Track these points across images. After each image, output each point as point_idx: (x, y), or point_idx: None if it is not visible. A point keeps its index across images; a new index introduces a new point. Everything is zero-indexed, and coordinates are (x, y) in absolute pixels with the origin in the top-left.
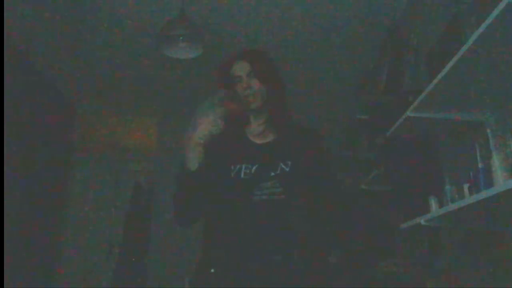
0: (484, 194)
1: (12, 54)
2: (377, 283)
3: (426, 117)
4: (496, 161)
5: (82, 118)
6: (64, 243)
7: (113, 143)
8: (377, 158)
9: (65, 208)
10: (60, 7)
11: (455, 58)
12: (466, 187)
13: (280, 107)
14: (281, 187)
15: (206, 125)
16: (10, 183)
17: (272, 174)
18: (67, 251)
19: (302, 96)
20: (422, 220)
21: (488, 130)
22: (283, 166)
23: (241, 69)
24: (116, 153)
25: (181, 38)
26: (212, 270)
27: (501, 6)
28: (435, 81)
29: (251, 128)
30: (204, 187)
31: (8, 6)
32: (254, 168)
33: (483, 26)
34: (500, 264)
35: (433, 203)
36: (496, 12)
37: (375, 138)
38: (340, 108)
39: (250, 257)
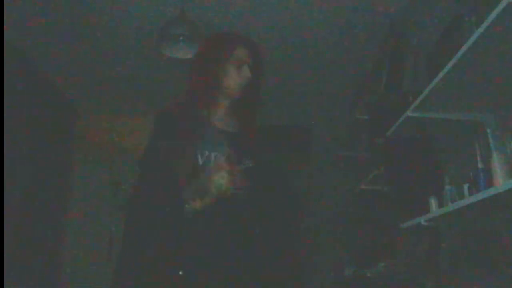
0: (484, 194)
1: (12, 54)
2: (378, 283)
3: (426, 117)
4: (496, 161)
5: (82, 118)
6: (64, 243)
7: (113, 143)
8: (377, 158)
9: (65, 208)
10: (60, 7)
11: (455, 58)
12: (466, 187)
13: (258, 102)
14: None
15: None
16: (10, 183)
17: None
18: (67, 251)
19: (302, 96)
20: (422, 220)
21: (488, 130)
22: (247, 161)
23: (246, 56)
24: (116, 153)
25: (181, 38)
26: (181, 273)
27: (501, 6)
28: (435, 81)
29: (218, 115)
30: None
31: (8, 6)
32: (223, 158)
33: (483, 26)
34: (500, 264)
35: (433, 203)
36: (496, 12)
37: (375, 138)
38: (340, 108)
39: (221, 257)
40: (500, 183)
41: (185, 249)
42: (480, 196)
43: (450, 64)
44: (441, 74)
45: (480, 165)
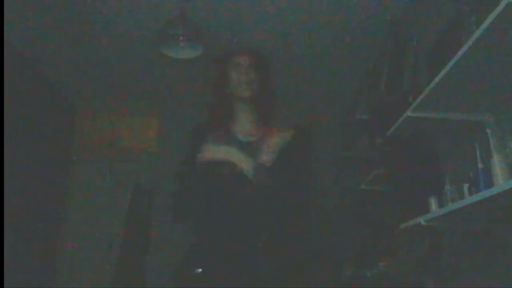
0: (484, 194)
1: (12, 54)
2: (377, 283)
3: (426, 117)
4: (496, 161)
5: (82, 118)
6: (64, 243)
7: (113, 143)
8: (377, 158)
9: (65, 208)
10: (60, 7)
11: (455, 58)
12: (466, 187)
13: (271, 104)
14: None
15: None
16: (10, 183)
17: None
18: (67, 251)
19: (303, 96)
20: (422, 220)
21: (488, 130)
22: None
23: (242, 59)
24: (116, 153)
25: (181, 38)
26: (200, 270)
27: (501, 6)
28: (435, 81)
29: (239, 126)
30: (207, 182)
31: (8, 6)
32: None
33: (483, 26)
34: (500, 264)
35: (433, 203)
36: (496, 12)
37: (375, 138)
38: (340, 108)
39: (242, 258)
40: (500, 183)
41: (205, 248)
42: (480, 196)
43: (450, 64)
44: (441, 74)
45: (480, 165)
